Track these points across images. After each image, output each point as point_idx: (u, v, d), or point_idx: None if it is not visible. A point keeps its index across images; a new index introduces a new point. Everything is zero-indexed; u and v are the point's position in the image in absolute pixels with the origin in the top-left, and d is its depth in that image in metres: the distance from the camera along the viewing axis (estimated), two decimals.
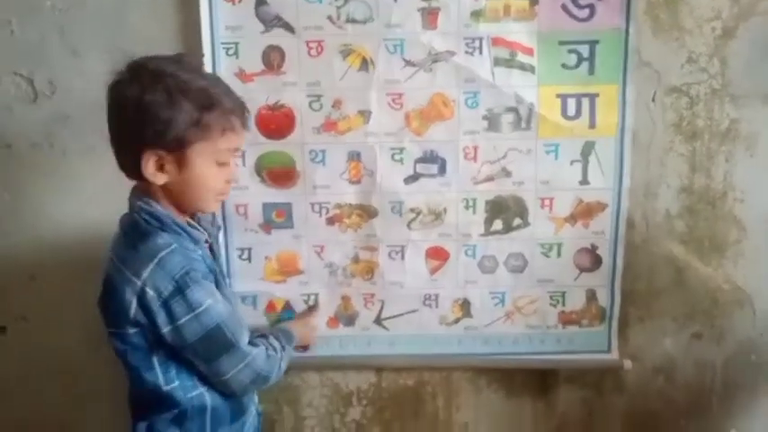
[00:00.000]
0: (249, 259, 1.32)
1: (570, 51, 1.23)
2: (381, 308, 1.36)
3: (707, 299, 1.37)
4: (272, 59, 1.24)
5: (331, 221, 1.31)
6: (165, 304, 0.94)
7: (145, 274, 0.93)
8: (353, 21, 1.23)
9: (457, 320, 1.36)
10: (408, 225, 1.31)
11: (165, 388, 0.99)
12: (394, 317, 1.36)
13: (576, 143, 1.27)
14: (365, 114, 1.26)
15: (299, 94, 1.25)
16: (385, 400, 1.44)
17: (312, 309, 1.35)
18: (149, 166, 0.94)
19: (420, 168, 1.29)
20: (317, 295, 1.35)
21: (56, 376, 1.41)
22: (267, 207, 1.30)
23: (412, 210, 1.31)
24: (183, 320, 0.95)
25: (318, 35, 1.23)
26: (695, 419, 1.42)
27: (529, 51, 1.23)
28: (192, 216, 1.06)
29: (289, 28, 1.23)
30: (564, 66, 1.23)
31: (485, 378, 1.42)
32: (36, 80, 1.28)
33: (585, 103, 1.25)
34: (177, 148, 0.94)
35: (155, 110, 0.91)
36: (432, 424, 1.45)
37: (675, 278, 1.36)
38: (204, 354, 0.98)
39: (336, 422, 1.45)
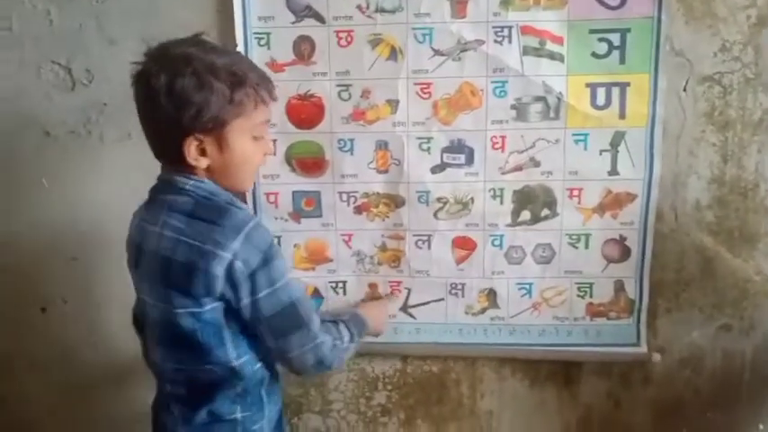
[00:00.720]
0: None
1: (601, 40, 1.21)
2: (408, 296, 1.37)
3: (736, 290, 1.35)
4: (303, 49, 1.26)
5: (359, 210, 1.33)
6: (252, 276, 0.95)
7: (235, 246, 0.93)
8: (383, 10, 1.23)
9: (483, 310, 1.37)
10: (435, 214, 1.32)
11: (236, 363, 0.99)
12: (420, 305, 1.38)
13: (605, 133, 1.26)
14: (393, 104, 1.27)
15: (329, 83, 1.27)
16: (410, 385, 1.46)
17: (389, 296, 1.37)
18: (192, 152, 0.95)
19: (447, 158, 1.30)
20: (344, 283, 1.37)
21: (95, 356, 1.46)
22: (297, 195, 1.32)
23: (439, 199, 1.31)
24: (263, 293, 0.96)
25: (348, 25, 1.24)
26: (723, 412, 1.41)
27: (558, 40, 1.23)
28: None
29: (319, 18, 1.24)
30: (594, 54, 1.22)
31: (509, 367, 1.43)
32: (74, 68, 1.32)
33: (616, 92, 1.24)
34: (215, 129, 0.94)
35: (187, 94, 0.91)
36: (455, 410, 1.46)
37: (704, 269, 1.34)
38: (276, 329, 0.99)
39: (362, 405, 1.48)
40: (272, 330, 0.99)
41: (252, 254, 0.94)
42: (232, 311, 0.97)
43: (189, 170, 0.98)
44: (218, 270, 0.93)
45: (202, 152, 0.96)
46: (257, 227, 0.96)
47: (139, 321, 1.08)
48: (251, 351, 1.02)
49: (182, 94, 0.91)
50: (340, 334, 1.10)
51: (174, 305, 0.97)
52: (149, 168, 1.31)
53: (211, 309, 0.96)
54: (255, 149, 1.01)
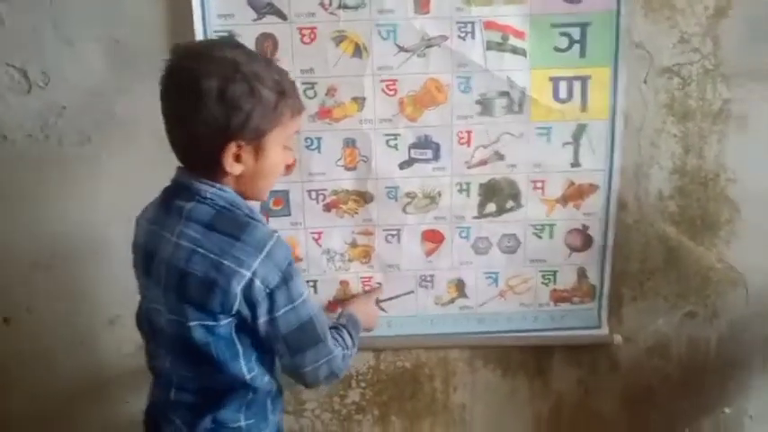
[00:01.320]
0: None
1: (562, 34, 1.23)
2: (380, 288, 1.38)
3: (700, 278, 1.39)
4: (266, 47, 1.24)
5: (328, 208, 1.33)
6: (270, 295, 0.93)
7: (255, 265, 0.90)
8: (345, 7, 1.23)
9: (452, 300, 1.39)
10: (404, 209, 1.33)
11: (248, 376, 0.97)
12: (391, 299, 1.39)
13: (567, 126, 1.28)
14: (359, 101, 1.27)
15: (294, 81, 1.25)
16: (384, 382, 1.46)
17: (374, 290, 1.37)
18: (229, 158, 0.92)
19: (414, 153, 1.30)
20: (315, 282, 1.37)
21: (60, 366, 1.43)
22: None
23: (407, 194, 1.32)
24: (282, 311, 0.94)
25: (311, 22, 1.23)
26: (690, 397, 1.45)
27: (521, 35, 1.24)
28: None
29: (281, 15, 1.23)
30: (556, 48, 1.24)
31: (481, 359, 1.45)
32: (29, 71, 1.28)
33: (577, 85, 1.26)
34: (256, 138, 0.93)
35: (238, 101, 0.89)
36: (429, 405, 1.48)
37: (668, 258, 1.38)
38: (293, 345, 0.98)
39: (336, 404, 1.48)
40: (289, 346, 0.97)
41: (271, 272, 0.92)
42: (245, 326, 0.95)
43: (213, 176, 0.95)
44: (237, 288, 0.90)
45: (237, 158, 0.93)
46: (278, 244, 0.93)
47: (144, 325, 1.05)
48: (261, 364, 1.00)
49: (233, 101, 0.89)
50: (345, 342, 1.10)
51: (188, 318, 0.93)
52: (109, 172, 1.31)
53: (226, 323, 0.94)
54: (284, 159, 1.00)
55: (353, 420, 1.49)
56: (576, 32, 1.23)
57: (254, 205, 1.03)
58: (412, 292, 1.38)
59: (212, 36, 1.23)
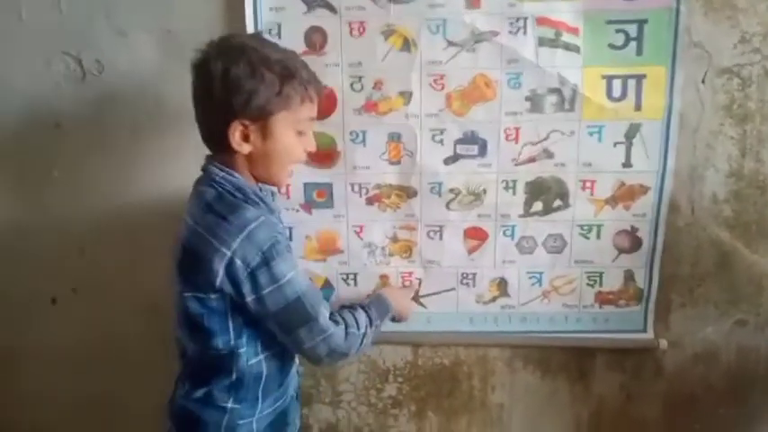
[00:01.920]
0: (290, 238, 1.34)
1: (618, 31, 1.20)
2: (419, 285, 1.37)
3: (752, 285, 1.34)
4: (315, 40, 1.24)
5: (370, 201, 1.32)
6: (252, 275, 0.97)
7: (234, 245, 0.96)
8: (396, 1, 1.22)
9: (494, 299, 1.37)
10: (447, 205, 1.32)
11: (234, 353, 1.03)
12: (431, 294, 1.38)
13: (620, 125, 1.25)
14: (406, 95, 1.26)
15: (341, 74, 1.25)
16: (421, 377, 1.46)
17: (413, 286, 1.37)
18: (236, 136, 0.99)
19: (460, 149, 1.29)
20: (355, 275, 1.37)
21: (105, 348, 1.46)
22: (308, 187, 1.32)
23: (451, 190, 1.31)
24: (266, 290, 0.98)
25: (360, 16, 1.23)
26: (735, 408, 1.41)
27: (574, 31, 1.21)
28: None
29: (331, 8, 1.23)
30: (611, 46, 1.21)
31: (521, 359, 1.43)
32: (84, 59, 1.31)
33: (632, 84, 1.22)
34: (261, 118, 0.99)
35: (239, 81, 0.96)
36: (466, 403, 1.47)
37: (720, 263, 1.33)
38: (284, 324, 1.02)
39: (373, 397, 1.48)
40: (280, 325, 1.03)
41: (251, 253, 0.97)
42: (236, 304, 1.00)
43: (230, 157, 1.02)
44: (219, 266, 0.96)
45: (246, 138, 1.00)
46: (260, 227, 0.97)
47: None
48: (251, 344, 1.04)
49: (234, 81, 0.96)
50: (356, 320, 1.12)
51: (184, 289, 1.01)
52: (158, 160, 1.34)
53: (216, 298, 1.00)
54: (297, 143, 1.05)
55: (390, 414, 1.49)
56: (632, 29, 1.19)
57: (274, 194, 1.14)
58: (453, 289, 1.37)
59: (263, 28, 1.24)
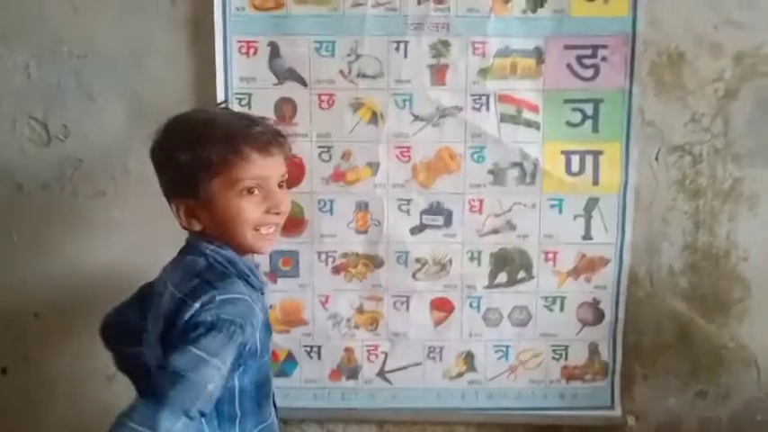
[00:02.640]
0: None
1: (575, 109, 1.26)
2: (385, 360, 1.35)
3: (711, 357, 1.36)
4: (285, 111, 1.27)
5: (337, 270, 1.32)
6: (188, 323, 0.87)
7: (204, 298, 0.88)
8: (364, 75, 1.26)
9: (461, 374, 1.35)
10: (414, 275, 1.32)
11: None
12: (397, 369, 1.35)
13: (579, 199, 1.29)
14: (373, 166, 1.29)
15: (310, 144, 1.28)
16: None
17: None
18: (181, 216, 0.95)
19: (426, 219, 1.31)
20: (320, 347, 1.34)
21: (55, 420, 1.38)
22: (274, 255, 1.30)
23: (417, 260, 1.31)
24: (179, 343, 0.86)
25: (330, 88, 1.26)
26: None
27: (534, 108, 1.27)
28: None
29: (301, 81, 1.26)
30: (568, 123, 1.27)
31: None
32: (50, 123, 1.30)
33: (589, 160, 1.28)
34: (195, 192, 0.93)
35: (162, 158, 0.95)
36: None
37: (680, 335, 1.36)
38: (154, 382, 0.86)
39: None
40: (152, 376, 0.89)
41: (210, 311, 0.87)
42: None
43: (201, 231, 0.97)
44: (178, 309, 0.89)
45: (193, 214, 0.94)
46: (238, 302, 0.90)
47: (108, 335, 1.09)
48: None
49: (159, 159, 0.96)
50: None
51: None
52: (121, 227, 1.31)
53: None
54: (245, 205, 0.94)
55: None
56: (589, 108, 1.26)
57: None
58: (420, 363, 1.35)
59: (232, 98, 1.26)
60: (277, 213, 0.97)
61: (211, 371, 0.85)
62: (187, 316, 0.88)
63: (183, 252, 1.00)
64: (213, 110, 1.06)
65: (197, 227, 0.95)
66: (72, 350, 1.36)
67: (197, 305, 0.88)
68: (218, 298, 0.89)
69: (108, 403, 1.31)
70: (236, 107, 1.26)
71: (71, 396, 1.38)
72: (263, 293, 1.01)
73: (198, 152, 0.91)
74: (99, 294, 1.31)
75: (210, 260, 0.95)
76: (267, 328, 1.00)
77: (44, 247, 1.33)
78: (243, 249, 0.99)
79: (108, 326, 1.09)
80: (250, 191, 0.94)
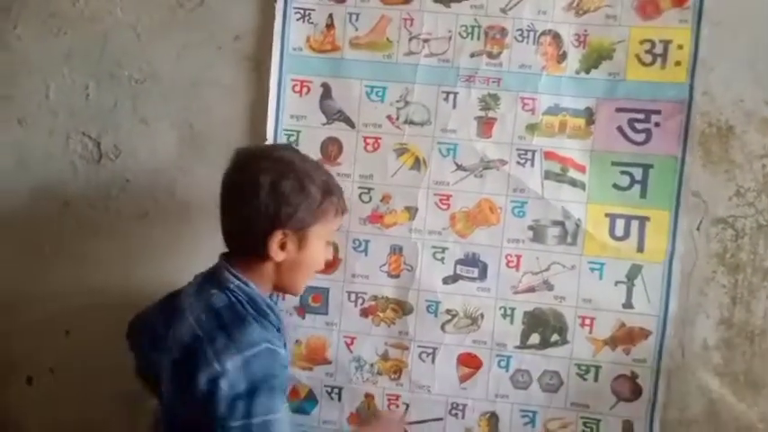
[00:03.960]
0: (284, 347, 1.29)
1: (623, 173, 1.24)
2: (405, 411, 1.31)
3: None
4: (330, 150, 1.29)
5: (365, 313, 1.30)
6: (232, 400, 0.91)
7: (228, 365, 0.92)
8: (411, 122, 1.27)
9: None
10: (443, 327, 1.29)
11: None
12: (417, 422, 1.31)
13: (622, 264, 1.25)
14: (412, 211, 1.28)
15: (351, 184, 1.28)
16: None
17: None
18: (275, 245, 1.01)
19: (460, 270, 1.29)
20: (340, 389, 1.32)
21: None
22: (306, 290, 1.28)
23: (448, 311, 1.29)
24: (236, 423, 0.91)
25: (376, 132, 1.28)
26: None
27: (581, 168, 1.25)
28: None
29: (349, 122, 1.28)
30: (615, 186, 1.24)
31: None
32: (103, 143, 1.34)
33: (635, 225, 1.25)
34: (302, 229, 1.03)
35: (288, 195, 1.00)
36: None
37: (708, 410, 1.29)
38: None
39: None
40: None
41: (241, 380, 0.92)
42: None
43: (255, 263, 1.03)
44: (203, 378, 0.92)
45: (283, 246, 1.02)
46: (261, 354, 0.94)
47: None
48: None
49: (284, 194, 1.00)
50: None
51: (174, 389, 0.98)
52: (161, 248, 1.33)
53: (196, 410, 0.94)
54: (324, 253, 1.10)
55: None
56: (638, 173, 1.23)
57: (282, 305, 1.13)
58: (441, 419, 1.30)
59: (281, 134, 1.29)
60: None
61: (278, 425, 0.92)
62: (218, 385, 0.91)
63: (209, 280, 1.04)
64: (300, 152, 1.13)
65: (281, 258, 1.02)
66: (99, 370, 1.36)
67: (217, 366, 0.91)
68: (240, 360, 0.92)
69: (130, 425, 1.31)
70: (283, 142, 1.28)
71: (93, 415, 1.37)
72: (278, 331, 1.05)
73: (321, 200, 1.04)
74: (130, 315, 1.33)
75: (232, 298, 1.00)
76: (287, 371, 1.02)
77: (82, 263, 1.35)
78: (285, 289, 1.10)
79: (135, 328, 1.12)
80: (330, 240, 1.11)
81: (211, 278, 1.04)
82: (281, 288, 1.08)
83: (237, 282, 1.01)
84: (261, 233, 1.00)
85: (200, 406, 0.92)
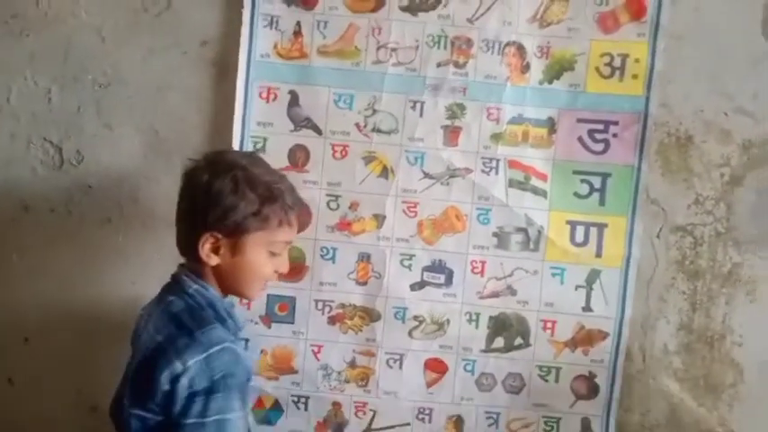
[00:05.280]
0: (245, 350, 1.29)
1: (583, 181, 1.28)
2: (372, 418, 1.32)
3: None
4: (298, 157, 1.29)
5: (333, 321, 1.31)
6: (189, 398, 0.91)
7: (190, 362, 0.91)
8: (379, 131, 1.29)
9: None
10: (410, 333, 1.31)
11: None
12: (385, 428, 1.32)
13: (581, 269, 1.29)
14: (380, 218, 1.30)
15: (319, 192, 1.29)
16: None
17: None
18: (206, 247, 0.98)
19: (427, 276, 1.31)
20: (307, 399, 1.32)
21: None
22: (271, 299, 1.30)
23: (415, 317, 1.30)
24: (190, 420, 0.91)
25: (344, 140, 1.29)
26: None
27: (543, 177, 1.29)
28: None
29: (317, 130, 1.29)
30: (576, 194, 1.29)
31: None
32: (65, 148, 1.31)
33: (594, 231, 1.29)
34: (234, 234, 0.98)
35: (220, 195, 0.97)
36: None
37: (669, 415, 1.34)
38: None
39: None
40: None
41: (201, 377, 0.91)
42: (166, 420, 0.93)
43: (200, 267, 1.01)
44: (166, 378, 0.91)
45: (216, 250, 0.99)
46: (223, 352, 0.93)
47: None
48: None
49: (215, 193, 0.97)
50: None
51: (131, 404, 0.95)
52: (124, 255, 1.31)
53: (152, 416, 0.93)
54: (267, 263, 1.03)
55: None
56: (597, 181, 1.28)
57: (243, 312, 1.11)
58: (408, 424, 1.32)
59: (248, 141, 1.28)
60: (281, 274, 1.07)
61: (231, 425, 0.92)
62: (179, 382, 0.90)
63: (167, 290, 1.03)
64: (261, 160, 1.10)
65: (214, 262, 0.99)
66: (59, 377, 1.33)
67: (179, 365, 0.91)
68: (203, 356, 0.91)
69: None
70: (249, 149, 1.28)
71: (52, 424, 1.34)
72: (236, 337, 1.02)
73: (260, 206, 0.98)
74: (92, 322, 1.31)
75: (190, 302, 0.98)
76: (248, 375, 0.99)
77: (44, 269, 1.32)
78: (235, 294, 1.05)
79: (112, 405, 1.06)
80: (277, 250, 1.03)
81: (170, 287, 1.02)
82: (229, 292, 1.04)
83: (196, 286, 0.99)
84: (193, 234, 0.98)
85: (160, 407, 0.92)
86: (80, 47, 1.30)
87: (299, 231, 1.08)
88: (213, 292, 1.00)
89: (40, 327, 1.33)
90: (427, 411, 1.32)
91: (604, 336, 1.30)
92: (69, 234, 1.31)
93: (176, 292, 1.00)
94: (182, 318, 0.96)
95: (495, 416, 1.32)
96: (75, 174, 1.31)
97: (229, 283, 1.02)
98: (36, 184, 1.31)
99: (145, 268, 1.29)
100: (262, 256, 1.01)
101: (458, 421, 1.32)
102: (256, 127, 1.29)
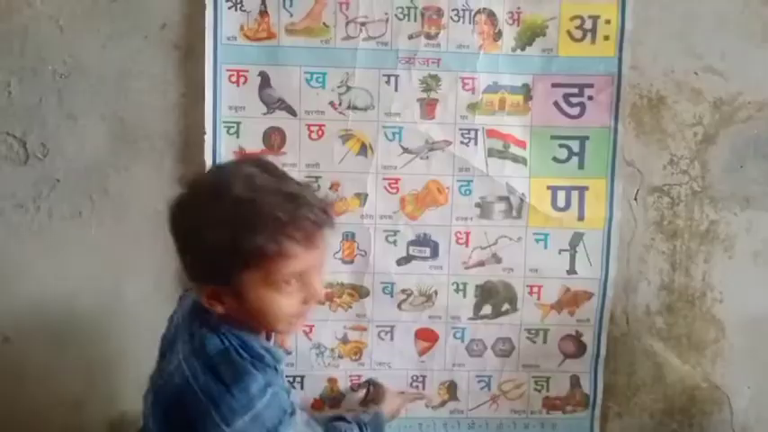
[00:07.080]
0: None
1: (561, 146, 1.29)
2: (368, 390, 1.33)
3: (685, 397, 1.39)
4: (273, 140, 1.26)
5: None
6: None
7: (238, 424, 0.82)
8: (355, 108, 1.26)
9: (443, 403, 1.36)
10: (399, 306, 1.32)
11: None
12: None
13: (564, 233, 1.31)
14: (362, 197, 1.29)
15: (298, 174, 1.26)
16: None
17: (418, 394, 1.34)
18: (204, 300, 0.86)
19: (413, 250, 1.31)
20: (302, 378, 1.32)
21: None
22: None
23: (403, 291, 1.31)
24: None
25: (320, 119, 1.26)
26: None
27: (522, 144, 1.29)
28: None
29: (291, 111, 1.26)
30: (555, 159, 1.29)
31: None
32: (29, 142, 1.26)
33: (575, 195, 1.30)
34: (224, 281, 0.83)
35: (198, 241, 0.82)
36: None
37: (654, 374, 1.38)
38: None
39: None
40: None
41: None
42: None
43: None
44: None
45: (217, 299, 0.86)
46: (269, 405, 0.85)
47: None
48: None
49: (179, 238, 0.86)
50: None
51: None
52: (96, 248, 1.28)
53: None
54: (281, 299, 0.85)
55: None
56: (575, 145, 1.29)
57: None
58: (403, 392, 1.34)
59: (221, 126, 1.25)
60: (308, 305, 0.89)
61: None
62: None
63: (197, 317, 0.90)
64: (251, 173, 0.85)
65: (221, 310, 0.86)
66: (39, 375, 1.31)
67: (226, 429, 0.82)
68: (249, 417, 0.83)
69: (74, 430, 1.28)
70: (223, 135, 1.25)
71: (36, 421, 1.32)
72: (276, 370, 0.92)
73: (235, 239, 0.79)
74: (69, 318, 1.28)
75: (226, 343, 0.87)
76: (294, 408, 0.92)
77: (15, 266, 1.28)
78: (261, 330, 0.93)
79: None
80: (287, 282, 0.85)
81: (198, 314, 0.90)
82: (259, 330, 0.92)
83: (227, 326, 0.88)
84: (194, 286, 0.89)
85: None
86: (37, 37, 1.23)
87: (308, 245, 0.84)
88: (244, 331, 0.89)
89: (17, 326, 1.30)
90: (420, 379, 1.35)
91: (589, 296, 1.33)
92: (39, 230, 1.27)
93: (207, 325, 0.88)
94: (218, 367, 0.85)
95: (486, 379, 1.36)
96: (41, 168, 1.26)
97: (248, 324, 0.89)
98: (2, 181, 1.26)
99: (120, 262, 1.27)
100: (269, 294, 0.84)
101: (451, 386, 1.35)
102: (228, 111, 1.25)
